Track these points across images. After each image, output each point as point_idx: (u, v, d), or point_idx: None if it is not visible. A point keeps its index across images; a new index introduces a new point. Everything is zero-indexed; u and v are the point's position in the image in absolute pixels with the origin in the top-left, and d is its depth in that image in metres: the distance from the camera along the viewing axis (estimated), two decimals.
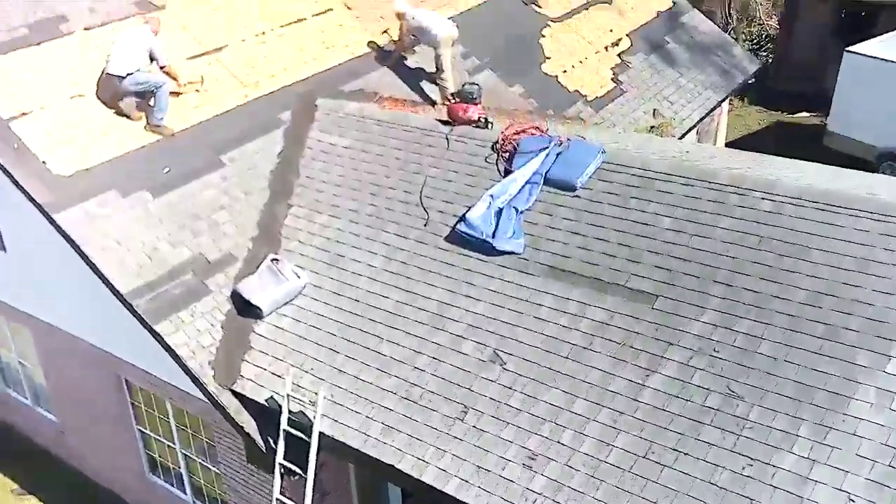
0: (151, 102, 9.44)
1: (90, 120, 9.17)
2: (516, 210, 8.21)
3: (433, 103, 11.33)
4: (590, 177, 8.31)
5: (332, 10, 11.92)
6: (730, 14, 23.66)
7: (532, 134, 8.99)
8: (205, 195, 9.18)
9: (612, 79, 13.47)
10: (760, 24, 23.75)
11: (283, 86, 10.62)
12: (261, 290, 8.42)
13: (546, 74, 12.90)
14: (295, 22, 11.45)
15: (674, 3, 15.90)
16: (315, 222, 9.20)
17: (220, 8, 11.03)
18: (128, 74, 9.23)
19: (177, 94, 9.72)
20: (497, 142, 9.09)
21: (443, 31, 11.06)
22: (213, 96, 10.08)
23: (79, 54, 9.64)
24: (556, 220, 8.11)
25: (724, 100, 14.96)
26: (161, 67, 9.54)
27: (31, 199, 8.34)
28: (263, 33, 11.09)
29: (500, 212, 8.22)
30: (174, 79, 9.67)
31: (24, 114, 8.84)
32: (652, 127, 12.99)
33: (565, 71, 13.10)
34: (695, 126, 13.84)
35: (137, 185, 8.90)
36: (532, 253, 7.94)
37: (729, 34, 22.81)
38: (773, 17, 24.13)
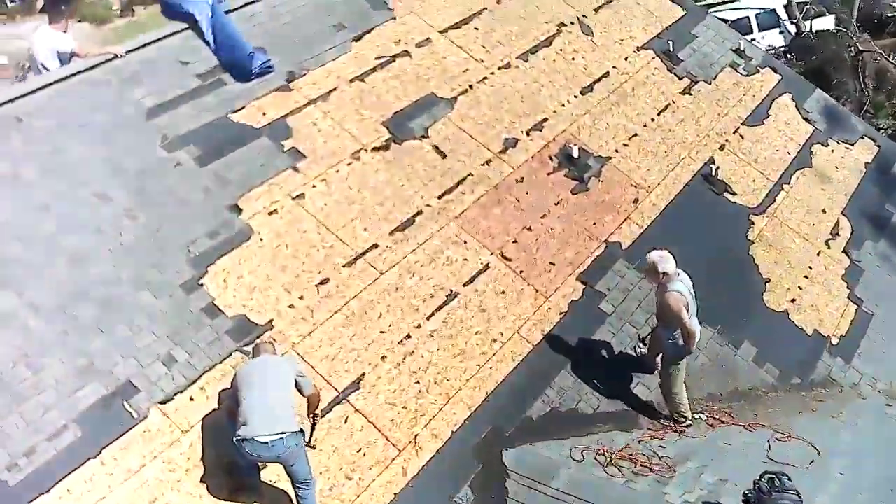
0: None
1: None
2: None
3: (652, 412, 7.89)
4: None
5: (488, 267, 8.35)
6: (865, 84, 19.93)
7: None
8: None
9: (848, 296, 9.89)
10: None
11: (451, 432, 7.11)
12: None
13: (772, 312, 9.29)
14: (445, 303, 7.90)
15: (878, 147, 12.25)
16: None
17: (351, 303, 7.52)
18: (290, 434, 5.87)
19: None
20: None
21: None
22: (355, 479, 6.57)
23: (154, 466, 6.15)
24: None
25: None
26: (307, 397, 6.34)
27: None
28: (408, 337, 7.55)
29: None
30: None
31: None
32: None
33: (794, 300, 9.50)
34: None
35: None
36: None
37: (866, 109, 19.38)
38: None
